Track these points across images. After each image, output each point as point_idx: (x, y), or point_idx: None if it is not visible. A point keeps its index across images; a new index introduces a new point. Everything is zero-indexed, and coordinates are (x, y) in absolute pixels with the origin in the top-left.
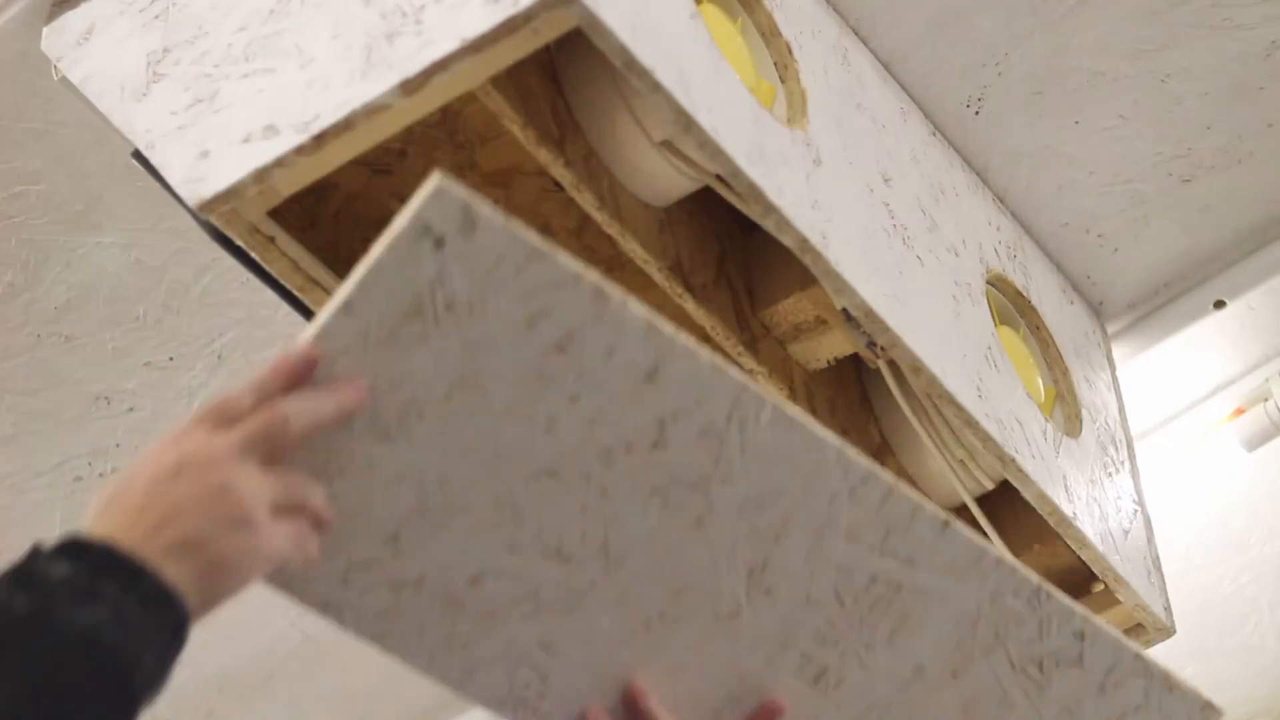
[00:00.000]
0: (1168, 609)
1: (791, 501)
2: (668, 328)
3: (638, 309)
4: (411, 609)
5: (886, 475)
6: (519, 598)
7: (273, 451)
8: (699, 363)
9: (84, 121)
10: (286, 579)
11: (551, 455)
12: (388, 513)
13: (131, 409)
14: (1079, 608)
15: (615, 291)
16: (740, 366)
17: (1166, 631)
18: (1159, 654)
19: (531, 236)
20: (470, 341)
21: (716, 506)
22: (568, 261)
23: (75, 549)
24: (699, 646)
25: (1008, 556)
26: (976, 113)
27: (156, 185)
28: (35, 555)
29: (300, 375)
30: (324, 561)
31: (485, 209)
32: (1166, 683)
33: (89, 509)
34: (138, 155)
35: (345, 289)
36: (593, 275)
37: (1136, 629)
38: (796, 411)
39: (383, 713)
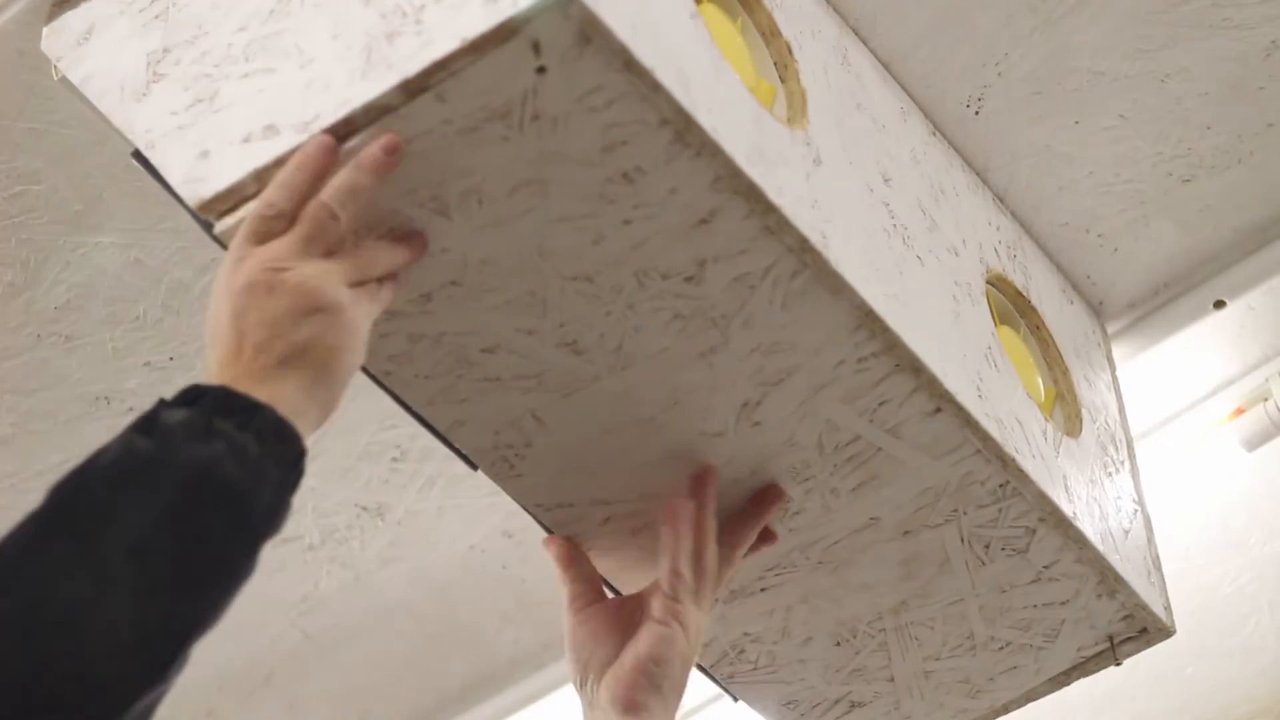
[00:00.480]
0: (1168, 609)
1: (801, 357)
2: (730, 186)
3: (709, 163)
4: (423, 358)
5: (892, 358)
6: (525, 374)
7: (332, 242)
8: (753, 222)
9: (84, 121)
10: None
11: (591, 265)
12: (426, 277)
13: (131, 409)
14: (1041, 508)
15: (694, 141)
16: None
17: (1166, 631)
18: (1158, 653)
19: (634, 78)
20: (546, 152)
21: (731, 343)
22: (655, 105)
23: (192, 395)
24: (677, 452)
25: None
26: (976, 113)
27: (156, 185)
28: (156, 407)
29: (323, 165)
30: None
31: (600, 35)
32: (1097, 590)
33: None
34: (138, 155)
35: (441, 75)
36: (677, 124)
37: (1141, 634)
38: (831, 283)
39: (383, 713)
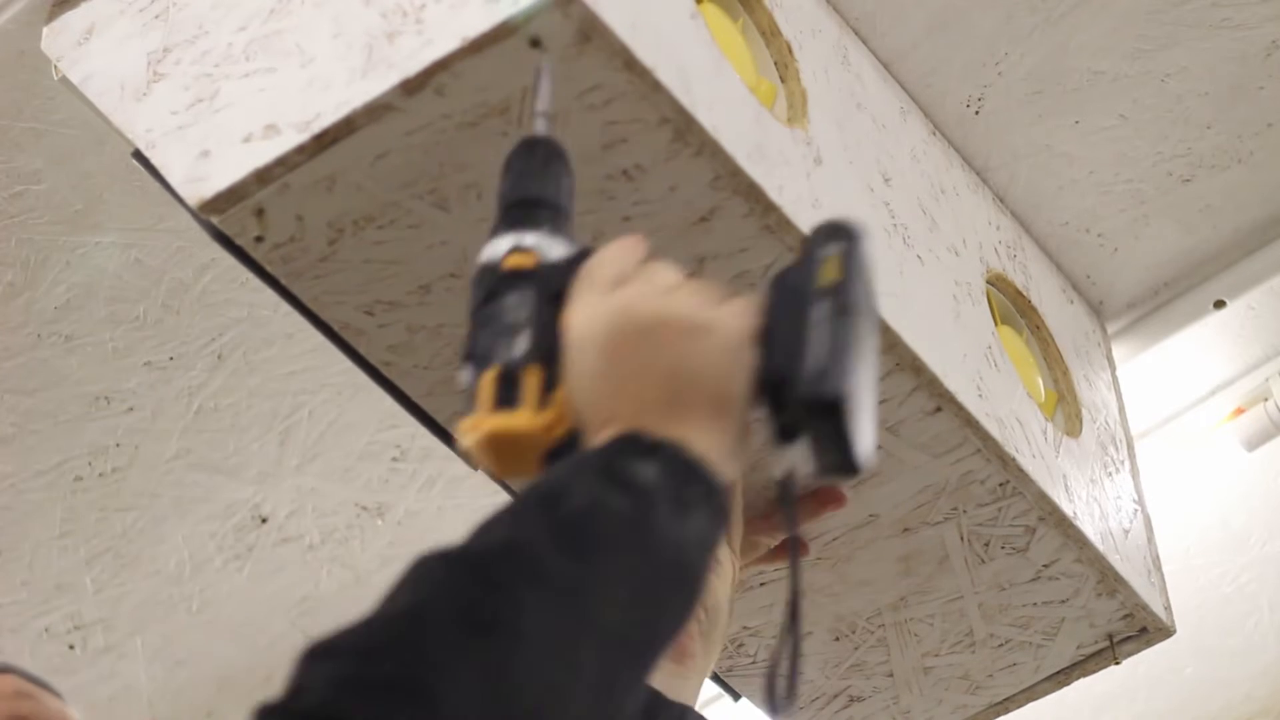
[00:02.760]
0: (1168, 609)
1: None
2: (730, 184)
3: (709, 161)
4: (422, 349)
5: (893, 357)
6: None
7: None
8: (753, 220)
9: (84, 121)
10: (316, 295)
11: None
12: (425, 268)
13: (131, 409)
14: (1041, 508)
15: (694, 140)
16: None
17: (1166, 631)
18: (1158, 653)
19: (634, 77)
20: None
21: None
22: (655, 104)
23: (651, 447)
24: None
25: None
26: (976, 113)
27: (156, 185)
28: (612, 448)
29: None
30: (353, 293)
31: (600, 35)
32: (1097, 589)
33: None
34: (138, 155)
35: (442, 75)
36: (677, 123)
37: (1141, 634)
38: None
39: None
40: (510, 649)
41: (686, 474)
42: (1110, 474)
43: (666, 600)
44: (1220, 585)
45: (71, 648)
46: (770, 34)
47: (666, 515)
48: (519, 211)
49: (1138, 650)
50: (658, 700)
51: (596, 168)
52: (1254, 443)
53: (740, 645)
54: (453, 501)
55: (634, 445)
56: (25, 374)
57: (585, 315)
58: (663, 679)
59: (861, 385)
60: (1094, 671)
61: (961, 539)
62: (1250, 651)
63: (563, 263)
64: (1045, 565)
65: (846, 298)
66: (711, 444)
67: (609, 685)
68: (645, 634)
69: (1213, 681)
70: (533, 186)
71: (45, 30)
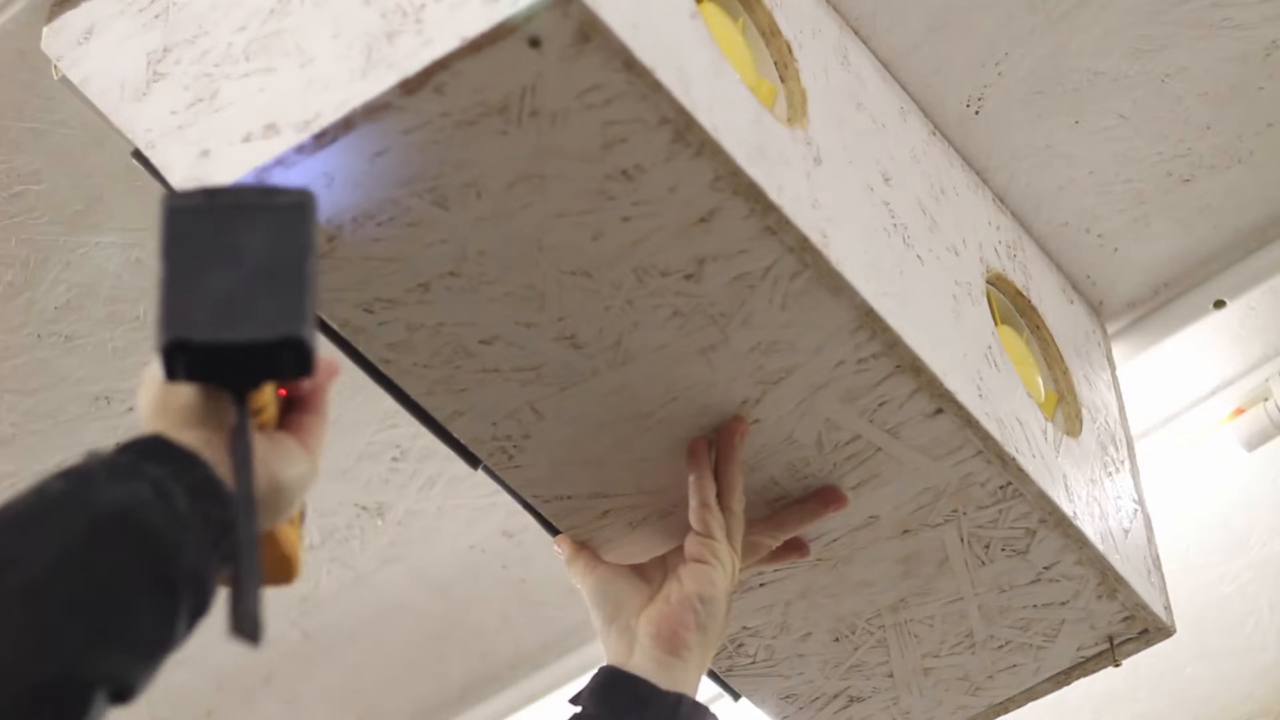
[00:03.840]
0: (1168, 609)
1: (801, 356)
2: (730, 185)
3: (709, 162)
4: (422, 347)
5: (893, 359)
6: (524, 366)
7: None
8: (753, 221)
9: (84, 121)
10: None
11: (590, 260)
12: (424, 266)
13: (131, 409)
14: (1041, 509)
15: (694, 140)
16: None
17: (1166, 631)
18: (1158, 653)
19: (634, 77)
20: (544, 147)
21: (730, 341)
22: (655, 104)
23: (125, 443)
24: (676, 448)
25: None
26: (976, 113)
27: (156, 185)
28: (84, 455)
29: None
30: (352, 290)
31: (600, 34)
32: (1097, 590)
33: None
34: (138, 155)
35: (441, 75)
36: (677, 123)
37: (1141, 634)
38: (831, 283)
39: (383, 713)
40: None
41: (146, 451)
42: (1110, 474)
43: (106, 556)
44: (1220, 585)
45: None
46: (770, 34)
47: (108, 483)
48: None
49: (1138, 651)
50: (651, 690)
51: (596, 168)
52: (1254, 443)
53: (740, 645)
54: (453, 501)
55: (112, 448)
56: (25, 374)
57: None
58: (656, 669)
59: None
60: (1094, 672)
61: (962, 541)
62: (1250, 651)
63: None
64: (1046, 567)
65: None
66: (188, 436)
67: (55, 631)
68: (90, 589)
69: (1213, 681)
70: None
71: (45, 30)
